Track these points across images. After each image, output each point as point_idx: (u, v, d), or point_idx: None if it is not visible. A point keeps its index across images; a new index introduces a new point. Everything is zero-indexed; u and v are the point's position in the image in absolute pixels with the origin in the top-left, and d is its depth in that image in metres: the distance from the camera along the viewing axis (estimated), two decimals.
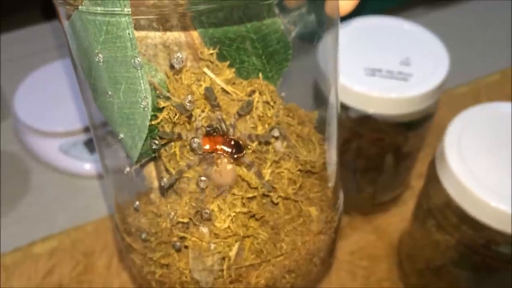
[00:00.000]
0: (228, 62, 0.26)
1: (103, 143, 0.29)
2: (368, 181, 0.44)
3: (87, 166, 0.48)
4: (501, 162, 0.33)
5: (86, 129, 0.49)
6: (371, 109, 0.37)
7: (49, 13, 0.62)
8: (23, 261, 0.42)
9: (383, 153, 0.41)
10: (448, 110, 0.39)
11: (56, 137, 0.48)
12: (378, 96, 0.36)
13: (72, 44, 0.24)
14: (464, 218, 0.32)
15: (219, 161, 0.25)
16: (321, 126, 0.30)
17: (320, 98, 0.31)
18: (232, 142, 0.25)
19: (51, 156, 0.49)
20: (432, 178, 0.35)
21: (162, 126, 0.25)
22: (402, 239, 0.43)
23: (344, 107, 0.38)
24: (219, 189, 0.26)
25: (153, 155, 0.25)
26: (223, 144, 0.25)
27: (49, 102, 0.50)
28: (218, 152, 0.25)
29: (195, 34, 0.26)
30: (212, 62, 0.26)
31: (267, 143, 0.26)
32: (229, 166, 0.25)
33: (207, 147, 0.25)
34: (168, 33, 0.25)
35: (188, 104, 0.24)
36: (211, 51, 0.26)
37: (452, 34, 0.42)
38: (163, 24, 0.24)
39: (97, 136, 0.29)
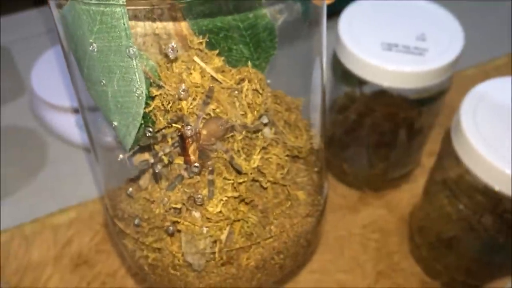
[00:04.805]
0: (217, 51, 0.27)
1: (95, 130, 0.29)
2: (380, 157, 0.44)
3: None
4: None
5: None
6: (386, 83, 0.38)
7: None
8: (42, 231, 0.42)
9: (396, 129, 0.42)
10: (457, 92, 0.40)
11: (72, 112, 0.48)
12: (395, 69, 0.37)
13: (64, 33, 0.24)
14: (479, 188, 0.33)
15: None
16: (306, 113, 0.31)
17: (306, 84, 0.32)
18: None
19: (68, 130, 0.49)
20: (447, 151, 0.36)
21: (155, 115, 0.26)
22: (413, 213, 0.43)
23: (360, 82, 0.39)
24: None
25: (149, 142, 0.26)
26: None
27: (65, 78, 0.49)
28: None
29: (183, 23, 0.26)
30: (201, 51, 0.27)
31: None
32: None
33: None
34: (157, 22, 0.26)
35: (182, 93, 0.24)
36: (201, 40, 0.26)
37: (460, 17, 0.42)
38: (154, 14, 0.25)
39: (86, 120, 0.29)
